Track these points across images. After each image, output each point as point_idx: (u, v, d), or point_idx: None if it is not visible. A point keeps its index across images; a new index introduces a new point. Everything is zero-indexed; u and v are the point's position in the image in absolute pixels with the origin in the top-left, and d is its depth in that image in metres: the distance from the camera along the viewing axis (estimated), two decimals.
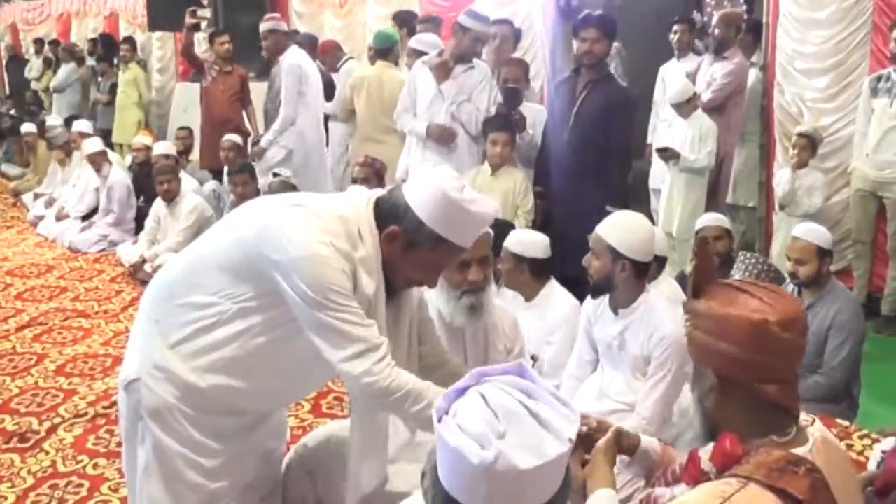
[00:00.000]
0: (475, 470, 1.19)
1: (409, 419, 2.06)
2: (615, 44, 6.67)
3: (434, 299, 2.56)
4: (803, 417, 1.58)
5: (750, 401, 1.52)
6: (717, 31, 5.44)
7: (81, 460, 3.52)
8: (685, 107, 5.23)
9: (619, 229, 2.89)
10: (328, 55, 6.96)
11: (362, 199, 2.05)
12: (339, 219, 1.97)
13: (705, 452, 1.58)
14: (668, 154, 5.18)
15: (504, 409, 1.23)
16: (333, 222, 1.96)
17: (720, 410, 1.57)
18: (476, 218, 2.00)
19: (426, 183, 1.98)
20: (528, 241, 3.54)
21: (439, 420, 1.26)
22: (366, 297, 1.98)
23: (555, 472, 1.25)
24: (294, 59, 6.05)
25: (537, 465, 1.20)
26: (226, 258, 2.06)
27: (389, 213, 2.00)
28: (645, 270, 2.92)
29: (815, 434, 1.55)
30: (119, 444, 3.63)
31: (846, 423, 3.19)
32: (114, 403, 3.99)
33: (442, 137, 4.70)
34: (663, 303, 2.92)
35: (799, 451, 1.49)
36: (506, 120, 4.60)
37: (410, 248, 2.00)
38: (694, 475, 1.58)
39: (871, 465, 2.66)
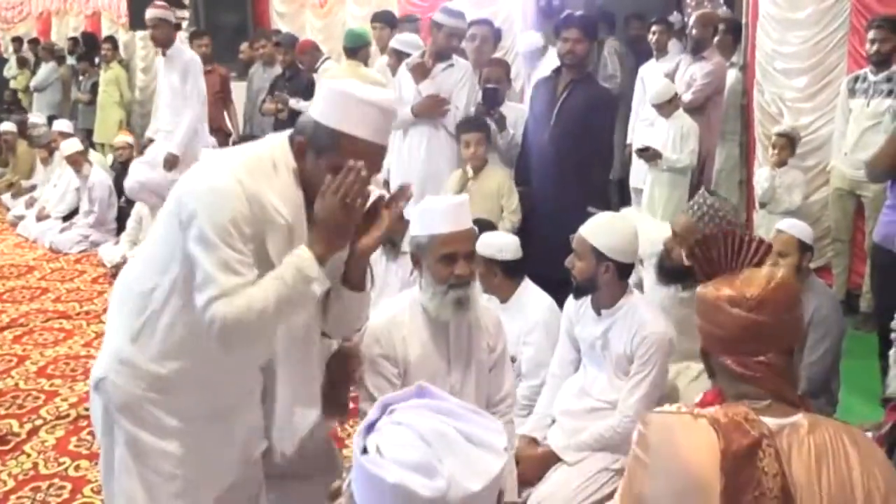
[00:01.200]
0: (425, 502, 1.10)
1: (285, 316, 1.97)
2: (612, 42, 6.75)
3: (419, 295, 2.57)
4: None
5: (719, 369, 1.65)
6: (694, 32, 5.49)
7: (63, 462, 3.51)
8: (666, 107, 5.27)
9: (602, 231, 2.91)
10: (307, 55, 6.92)
11: (279, 135, 2.06)
12: (250, 157, 1.97)
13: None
14: (650, 154, 5.21)
15: (433, 433, 1.14)
16: (244, 161, 1.95)
17: (709, 376, 1.74)
18: (367, 103, 1.93)
19: (319, 90, 2.00)
20: (499, 244, 3.51)
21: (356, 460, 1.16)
22: (284, 226, 1.95)
23: (496, 489, 1.18)
24: (189, 52, 5.96)
25: (486, 485, 1.13)
26: (159, 231, 2.05)
27: (298, 133, 2.00)
28: (628, 271, 2.94)
29: (817, 420, 1.56)
30: None
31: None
32: None
33: (431, 109, 4.63)
34: (646, 302, 2.95)
35: (772, 420, 1.53)
36: (477, 120, 4.59)
37: (320, 156, 1.95)
38: None
39: None
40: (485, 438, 1.17)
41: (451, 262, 2.46)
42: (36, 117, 9.02)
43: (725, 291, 1.60)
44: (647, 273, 3.50)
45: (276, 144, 2.01)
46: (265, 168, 1.94)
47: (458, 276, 2.46)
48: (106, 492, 2.28)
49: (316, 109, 1.96)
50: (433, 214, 2.48)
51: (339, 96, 1.93)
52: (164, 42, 5.82)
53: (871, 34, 4.62)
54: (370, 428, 1.19)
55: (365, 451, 1.15)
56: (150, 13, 5.81)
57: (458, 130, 4.59)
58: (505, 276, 3.52)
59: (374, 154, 1.97)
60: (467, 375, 2.60)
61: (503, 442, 1.18)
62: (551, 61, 5.40)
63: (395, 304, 2.65)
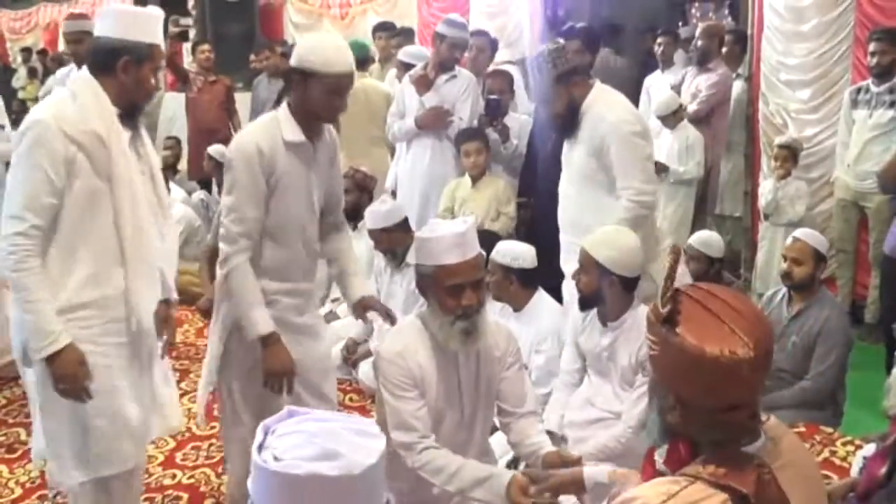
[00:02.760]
0: (337, 485, 1.16)
1: None
2: (606, 52, 6.77)
3: (427, 321, 2.52)
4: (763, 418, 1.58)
5: (714, 423, 1.50)
6: (700, 43, 5.51)
7: None
8: (671, 118, 5.30)
9: (606, 246, 2.92)
10: None
11: (81, 74, 2.52)
12: (63, 100, 2.43)
13: (660, 455, 1.60)
14: (658, 167, 5.21)
15: (320, 431, 1.22)
16: (60, 105, 2.41)
17: (683, 427, 1.54)
18: (138, 13, 2.53)
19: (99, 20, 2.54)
20: (516, 252, 3.56)
21: (258, 470, 1.21)
22: (103, 144, 2.39)
23: (382, 467, 1.25)
24: None
25: (378, 459, 1.21)
26: None
27: (104, 58, 2.45)
28: (633, 284, 2.95)
29: (769, 432, 1.56)
30: None
31: (830, 430, 3.23)
32: None
33: (434, 121, 4.67)
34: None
35: (748, 448, 1.51)
36: (475, 130, 4.62)
37: (138, 66, 2.45)
38: (649, 474, 1.61)
39: (854, 471, 2.70)
40: (363, 429, 1.27)
41: (458, 293, 2.38)
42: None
43: (744, 353, 1.43)
44: None
45: (82, 79, 2.47)
46: (80, 105, 2.40)
47: (465, 307, 2.39)
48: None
49: (107, 30, 2.47)
50: (438, 244, 2.39)
51: (125, 15, 2.50)
52: (84, 58, 4.72)
53: (871, 46, 4.63)
54: (260, 449, 1.24)
55: (264, 461, 1.21)
56: (72, 25, 4.74)
57: (458, 141, 4.62)
58: (520, 284, 3.54)
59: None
60: (477, 401, 2.57)
61: (375, 428, 1.28)
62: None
63: (404, 331, 2.56)
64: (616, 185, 3.28)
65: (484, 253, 2.51)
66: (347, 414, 1.34)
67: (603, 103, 3.29)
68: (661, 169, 5.17)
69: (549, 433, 2.94)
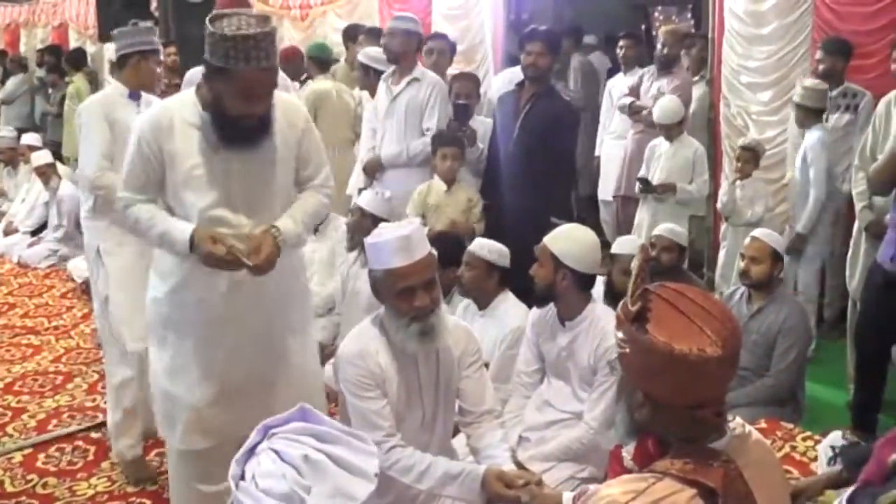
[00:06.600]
0: None
1: None
2: (578, 57, 6.84)
3: (386, 325, 2.50)
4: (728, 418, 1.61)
5: (682, 420, 1.54)
6: (665, 49, 5.53)
7: (31, 480, 3.48)
8: (675, 129, 5.14)
9: (562, 239, 2.97)
10: (292, 63, 6.39)
11: None
12: None
13: (628, 452, 1.63)
14: (661, 188, 5.07)
15: (304, 461, 1.22)
16: None
17: (652, 424, 1.58)
18: None
19: None
20: (498, 250, 3.57)
21: (237, 486, 1.23)
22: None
23: None
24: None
25: None
26: None
27: None
28: (588, 283, 2.98)
29: (735, 430, 1.59)
30: (70, 463, 3.61)
31: (791, 426, 3.28)
32: (63, 421, 3.96)
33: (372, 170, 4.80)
34: (608, 313, 2.97)
35: (714, 444, 1.54)
36: (451, 134, 4.58)
37: None
38: (617, 472, 1.64)
39: (822, 463, 2.68)
40: (355, 463, 1.25)
41: (409, 296, 2.36)
42: (6, 131, 8.92)
43: (712, 351, 1.46)
44: None
45: None
46: None
47: (418, 308, 2.37)
48: None
49: None
50: (385, 248, 2.36)
51: None
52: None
53: (818, 54, 4.74)
54: (251, 452, 1.26)
55: (243, 477, 1.24)
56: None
57: (435, 144, 4.53)
58: (498, 281, 3.56)
59: None
60: (437, 401, 2.57)
61: (374, 467, 1.26)
62: None
63: (362, 334, 2.54)
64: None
65: (435, 252, 2.49)
66: (353, 433, 1.31)
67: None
68: (665, 189, 5.05)
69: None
